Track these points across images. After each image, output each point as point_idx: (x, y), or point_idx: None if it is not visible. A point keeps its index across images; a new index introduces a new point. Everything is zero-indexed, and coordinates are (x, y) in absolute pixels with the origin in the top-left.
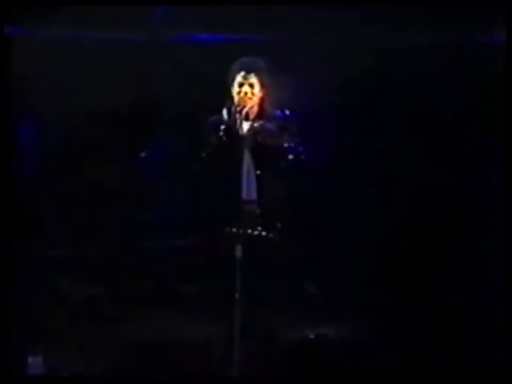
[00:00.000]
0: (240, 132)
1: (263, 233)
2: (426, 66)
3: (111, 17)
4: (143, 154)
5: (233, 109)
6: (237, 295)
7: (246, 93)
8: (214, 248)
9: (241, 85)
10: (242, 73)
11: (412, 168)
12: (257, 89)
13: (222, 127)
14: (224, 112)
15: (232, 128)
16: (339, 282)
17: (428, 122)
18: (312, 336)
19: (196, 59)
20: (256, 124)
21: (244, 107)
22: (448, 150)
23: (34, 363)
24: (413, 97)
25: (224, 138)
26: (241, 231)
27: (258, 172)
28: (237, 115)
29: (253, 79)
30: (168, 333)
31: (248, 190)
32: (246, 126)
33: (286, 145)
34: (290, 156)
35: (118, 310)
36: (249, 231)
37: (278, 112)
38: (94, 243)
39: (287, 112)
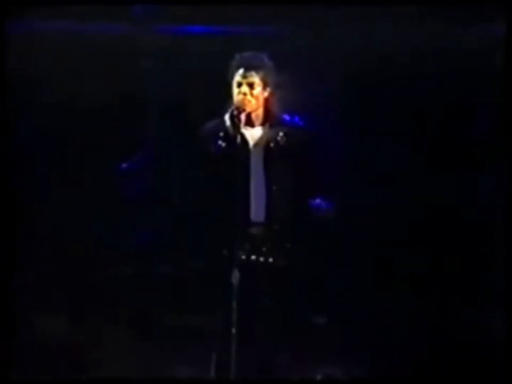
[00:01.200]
0: (241, 140)
1: (269, 259)
2: (432, 66)
3: (105, 10)
4: (125, 165)
5: (230, 112)
6: (233, 330)
7: (245, 94)
8: (210, 276)
9: (239, 85)
10: (241, 71)
11: (431, 180)
12: (258, 89)
13: (221, 134)
14: (226, 117)
15: (232, 135)
16: (350, 315)
17: (441, 125)
18: (319, 376)
19: (193, 54)
20: (263, 132)
21: (243, 110)
22: (450, 150)
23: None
24: (419, 97)
25: (223, 146)
26: (242, 256)
27: (268, 189)
28: (236, 120)
29: (253, 77)
30: (155, 369)
31: (256, 210)
32: (250, 133)
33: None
34: (321, 203)
35: (103, 344)
36: (253, 256)
37: (286, 116)
38: (79, 261)
39: (296, 118)
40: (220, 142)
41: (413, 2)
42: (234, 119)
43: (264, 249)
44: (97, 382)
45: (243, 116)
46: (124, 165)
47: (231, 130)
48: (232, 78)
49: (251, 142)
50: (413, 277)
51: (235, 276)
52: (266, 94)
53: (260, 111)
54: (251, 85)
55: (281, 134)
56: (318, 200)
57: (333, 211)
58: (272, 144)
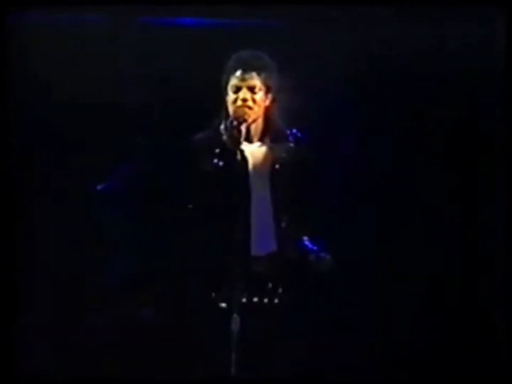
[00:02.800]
0: (242, 158)
1: (274, 300)
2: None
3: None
4: (100, 187)
5: (228, 124)
6: None
7: (245, 101)
8: (204, 322)
9: (237, 89)
10: (239, 73)
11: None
12: (260, 94)
13: (217, 150)
14: (222, 129)
15: (231, 151)
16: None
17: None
18: None
19: (182, 51)
20: (265, 148)
21: (244, 120)
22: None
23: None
24: (418, 98)
25: (221, 164)
26: (243, 296)
27: (275, 217)
28: (235, 133)
29: (255, 80)
30: None
31: (259, 242)
32: (250, 150)
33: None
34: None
35: None
36: (255, 296)
37: (288, 129)
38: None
39: (301, 131)
40: (216, 160)
41: (413, 2)
42: (233, 131)
43: (268, 287)
44: None
45: (243, 128)
46: (99, 187)
47: (229, 145)
48: (227, 82)
49: (250, 160)
50: (424, 312)
51: (235, 322)
52: (267, 101)
53: (260, 122)
54: (252, 89)
55: (287, 151)
56: (315, 253)
57: (331, 264)
58: (277, 164)
